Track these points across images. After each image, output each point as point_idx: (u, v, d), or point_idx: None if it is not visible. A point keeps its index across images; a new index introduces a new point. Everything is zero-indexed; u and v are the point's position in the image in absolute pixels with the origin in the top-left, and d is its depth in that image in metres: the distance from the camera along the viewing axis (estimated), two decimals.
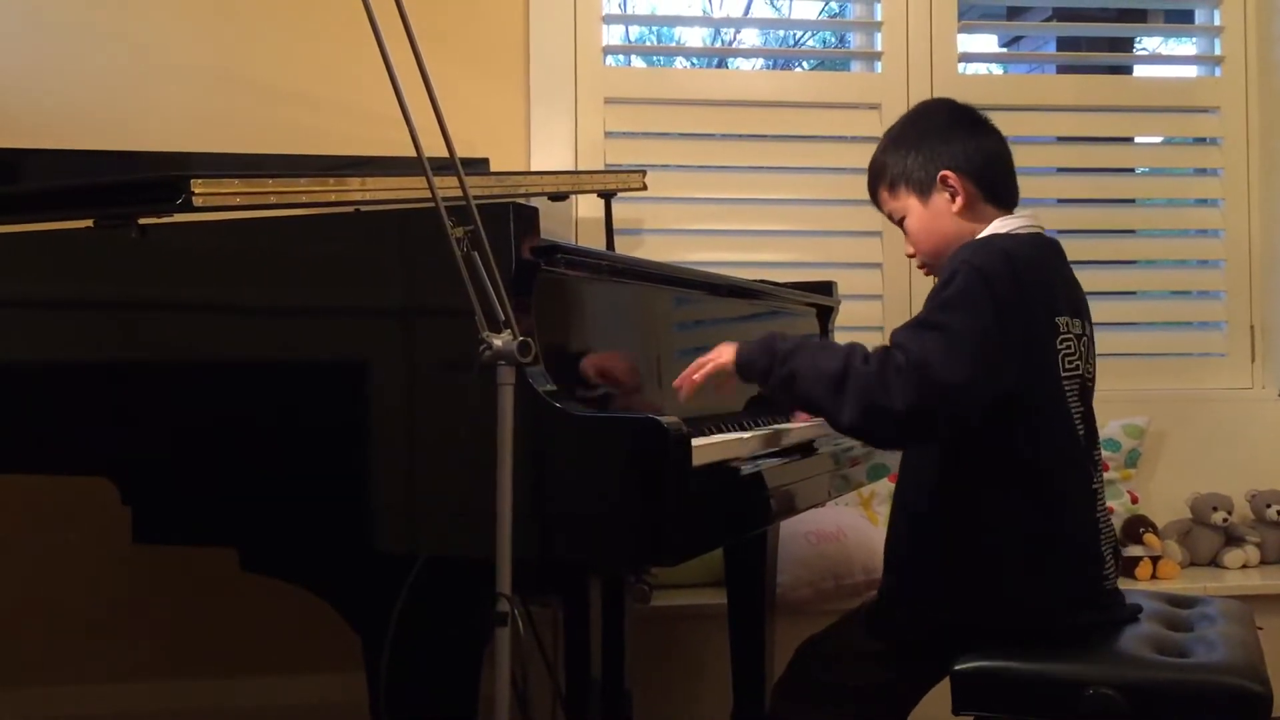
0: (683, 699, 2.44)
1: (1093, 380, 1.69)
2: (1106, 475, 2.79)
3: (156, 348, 1.50)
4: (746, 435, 1.60)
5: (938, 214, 1.70)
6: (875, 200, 1.80)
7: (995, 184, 1.71)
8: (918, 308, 2.84)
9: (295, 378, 1.42)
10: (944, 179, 1.69)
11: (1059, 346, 1.61)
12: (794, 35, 5.86)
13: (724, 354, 1.59)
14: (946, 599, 1.61)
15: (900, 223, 1.76)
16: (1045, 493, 1.59)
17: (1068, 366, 1.62)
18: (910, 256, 1.78)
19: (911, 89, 2.92)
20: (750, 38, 4.16)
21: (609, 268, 1.60)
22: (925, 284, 2.85)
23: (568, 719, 1.88)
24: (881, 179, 1.77)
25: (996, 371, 1.51)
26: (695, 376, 1.59)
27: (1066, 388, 1.61)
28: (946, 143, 1.70)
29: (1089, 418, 1.66)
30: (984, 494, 1.59)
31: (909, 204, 1.73)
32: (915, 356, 1.47)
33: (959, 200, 1.68)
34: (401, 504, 1.36)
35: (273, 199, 1.51)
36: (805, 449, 1.76)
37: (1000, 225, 1.67)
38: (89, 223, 1.55)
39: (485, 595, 1.21)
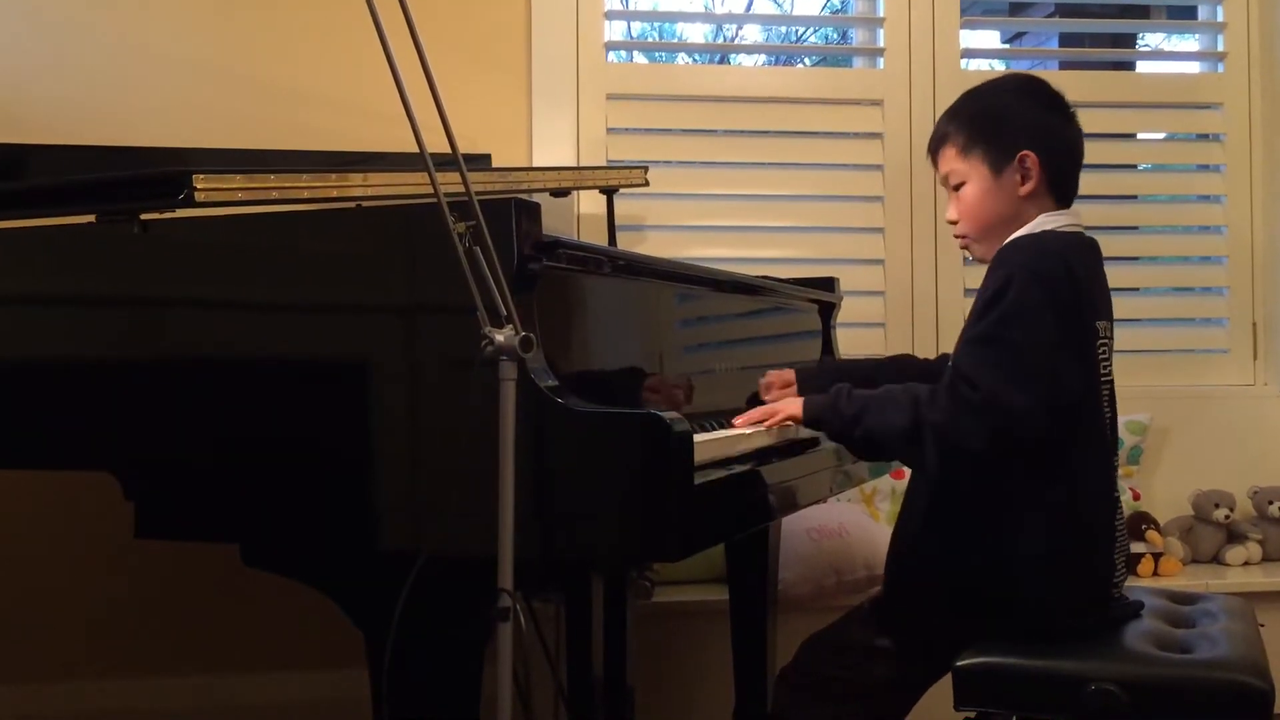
0: (684, 695, 2.44)
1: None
2: None
3: (158, 343, 1.50)
4: (748, 431, 1.60)
5: (1002, 191, 1.65)
6: (936, 155, 1.73)
7: (1065, 178, 1.67)
8: (919, 304, 2.92)
9: (297, 373, 1.42)
10: (1023, 159, 1.63)
11: (1098, 350, 1.60)
12: (796, 31, 5.84)
13: (792, 408, 1.62)
14: (959, 597, 1.60)
15: (956, 187, 1.70)
16: (1075, 497, 1.57)
17: (1103, 371, 1.61)
18: (952, 223, 1.72)
19: (914, 85, 2.92)
20: (752, 33, 4.14)
21: (611, 263, 1.59)
22: (927, 282, 2.89)
23: (570, 715, 1.89)
24: (954, 138, 1.69)
25: (1064, 380, 1.51)
26: (766, 424, 1.63)
27: (1102, 392, 1.60)
28: (1038, 124, 1.66)
29: (1114, 422, 1.65)
30: (1015, 496, 1.57)
31: (977, 171, 1.67)
32: (984, 390, 1.47)
33: (1029, 185, 1.64)
34: (404, 500, 1.36)
35: (274, 194, 1.51)
36: (807, 445, 1.75)
37: (1048, 221, 1.63)
38: (91, 218, 1.55)
39: (488, 591, 1.21)
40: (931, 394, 1.51)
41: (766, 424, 1.63)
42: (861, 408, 1.56)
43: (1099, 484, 1.60)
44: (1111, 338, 1.66)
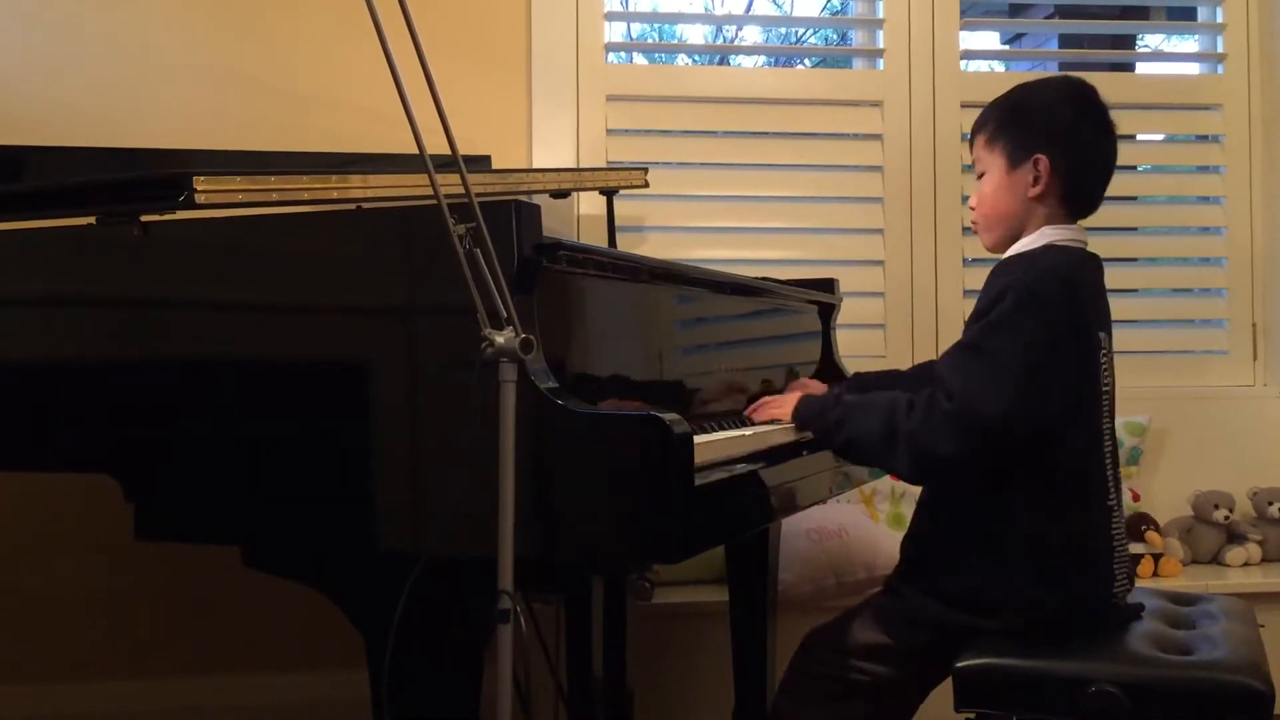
0: (684, 697, 2.44)
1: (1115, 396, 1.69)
2: None
3: (159, 345, 1.50)
4: (748, 432, 1.60)
5: (1012, 187, 1.67)
6: (972, 139, 1.76)
7: (1081, 191, 1.68)
8: (919, 306, 2.92)
9: (298, 375, 1.42)
10: (1037, 161, 1.65)
11: (1100, 362, 1.61)
12: (796, 32, 5.85)
13: (785, 408, 1.71)
14: (962, 600, 1.60)
15: (980, 175, 1.73)
16: (1073, 506, 1.59)
17: (1103, 382, 1.62)
18: (971, 208, 1.76)
19: (914, 86, 2.92)
20: (752, 35, 4.15)
21: (611, 265, 1.60)
22: (927, 283, 2.89)
23: (570, 716, 1.89)
24: (987, 126, 1.72)
25: (1043, 395, 1.52)
26: (755, 417, 1.75)
27: (1102, 402, 1.62)
28: (1063, 131, 1.66)
29: (1113, 433, 1.66)
30: (1017, 502, 1.58)
31: (995, 164, 1.69)
32: (959, 396, 1.50)
33: (1038, 188, 1.65)
34: (404, 502, 1.36)
35: (275, 196, 1.51)
36: (807, 447, 1.75)
37: (1052, 234, 1.65)
38: (91, 220, 1.55)
39: (488, 593, 1.21)
40: (910, 402, 1.54)
41: (759, 416, 1.74)
42: (845, 414, 1.61)
43: (1096, 494, 1.61)
44: (1110, 348, 1.67)
